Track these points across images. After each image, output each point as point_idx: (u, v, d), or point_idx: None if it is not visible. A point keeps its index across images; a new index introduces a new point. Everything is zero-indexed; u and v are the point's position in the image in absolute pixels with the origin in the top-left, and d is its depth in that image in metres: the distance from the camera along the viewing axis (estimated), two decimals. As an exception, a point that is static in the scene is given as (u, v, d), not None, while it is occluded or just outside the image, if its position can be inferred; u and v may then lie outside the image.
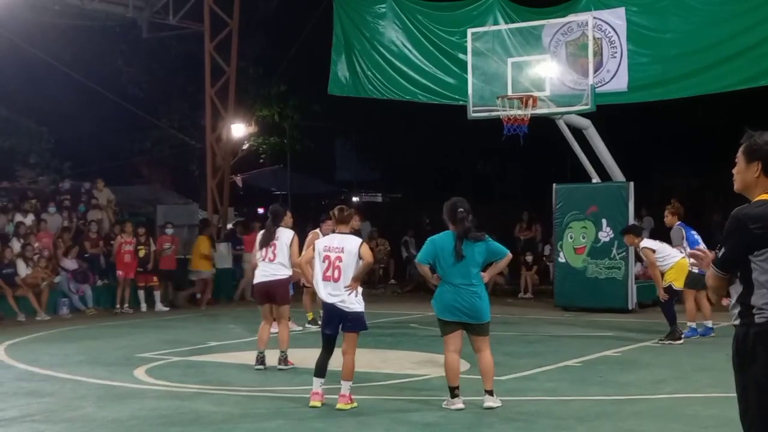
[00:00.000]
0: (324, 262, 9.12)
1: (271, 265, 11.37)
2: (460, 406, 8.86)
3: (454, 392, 8.94)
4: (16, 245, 19.56)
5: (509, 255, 9.11)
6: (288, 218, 12.29)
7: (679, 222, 14.53)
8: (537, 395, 9.80)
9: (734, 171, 4.68)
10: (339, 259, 9.08)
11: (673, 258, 13.96)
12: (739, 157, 4.65)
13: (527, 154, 27.50)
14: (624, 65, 18.17)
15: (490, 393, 8.96)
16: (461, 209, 8.77)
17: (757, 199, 4.57)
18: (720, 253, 4.54)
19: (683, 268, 13.72)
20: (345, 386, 9.04)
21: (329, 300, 9.11)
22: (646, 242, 14.42)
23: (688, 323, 14.25)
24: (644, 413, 8.81)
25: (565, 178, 19.97)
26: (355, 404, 9.05)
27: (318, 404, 9.05)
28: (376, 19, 21.07)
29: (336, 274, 9.08)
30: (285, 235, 11.45)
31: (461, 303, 8.72)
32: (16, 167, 26.79)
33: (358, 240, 9.35)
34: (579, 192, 18.96)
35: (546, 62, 18.07)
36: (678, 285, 13.89)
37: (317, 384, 9.12)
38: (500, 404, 8.93)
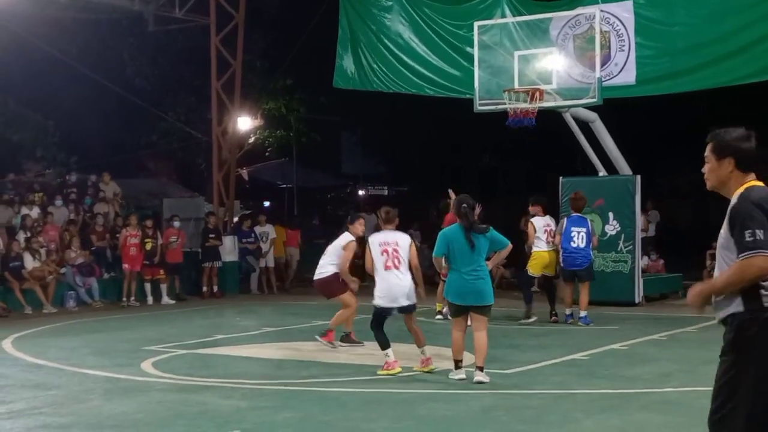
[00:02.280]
0: (383, 255, 10.62)
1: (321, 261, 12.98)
2: (462, 376, 10.05)
3: (458, 364, 10.15)
4: (22, 238, 19.59)
5: (510, 245, 10.37)
6: (357, 225, 12.82)
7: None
8: (544, 388, 9.78)
9: (705, 170, 4.81)
10: (396, 251, 10.63)
11: (536, 247, 15.53)
12: (709, 156, 4.78)
13: (533, 147, 27.47)
14: (632, 58, 18.12)
15: (481, 369, 9.93)
16: (465, 204, 10.01)
17: (747, 185, 4.70)
18: (757, 236, 4.49)
19: (541, 258, 15.47)
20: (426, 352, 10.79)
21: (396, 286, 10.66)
22: (537, 219, 15.75)
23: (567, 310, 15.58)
24: (651, 406, 8.80)
25: (571, 172, 19.90)
26: (433, 366, 10.73)
27: (400, 369, 10.63)
28: (383, 12, 21.03)
29: (396, 263, 10.61)
30: (340, 239, 12.72)
31: (470, 288, 9.88)
32: (22, 160, 26.82)
33: (407, 237, 10.98)
34: (586, 185, 18.87)
35: (553, 55, 18.02)
36: (533, 271, 15.63)
37: (391, 354, 10.66)
38: (488, 380, 9.88)
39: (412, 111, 27.91)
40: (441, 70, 20.14)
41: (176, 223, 21.76)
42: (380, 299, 10.62)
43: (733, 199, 4.66)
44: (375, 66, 20.90)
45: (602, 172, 19.23)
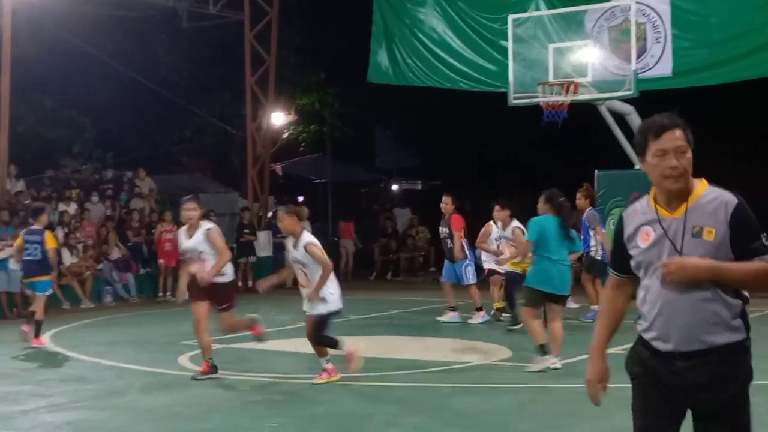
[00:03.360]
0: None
1: None
2: (557, 365, 10.23)
3: (544, 348, 10.27)
4: (60, 234, 19.77)
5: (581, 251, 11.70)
6: None
7: (591, 207, 15.42)
8: (578, 383, 9.67)
9: (682, 161, 3.95)
10: None
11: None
12: (685, 145, 3.98)
13: (568, 140, 27.32)
14: (668, 50, 17.95)
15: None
16: (561, 198, 10.67)
17: (705, 181, 4.09)
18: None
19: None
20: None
21: None
22: (517, 223, 14.36)
23: (592, 306, 14.85)
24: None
25: (605, 165, 19.78)
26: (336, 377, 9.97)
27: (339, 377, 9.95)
28: (417, 7, 20.98)
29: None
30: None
31: (558, 276, 10.36)
32: (59, 157, 27.06)
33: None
34: (621, 178, 18.76)
35: (588, 48, 17.88)
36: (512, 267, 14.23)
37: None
38: (560, 366, 10.18)
39: (445, 105, 27.83)
40: (475, 63, 20.07)
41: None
42: (338, 300, 9.92)
43: (725, 195, 3.95)
44: (409, 60, 20.87)
45: (638, 165, 19.05)
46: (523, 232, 13.36)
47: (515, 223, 14.18)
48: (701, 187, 4.00)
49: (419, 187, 37.87)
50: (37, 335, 13.24)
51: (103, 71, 24.96)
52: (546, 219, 10.54)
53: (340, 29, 27.48)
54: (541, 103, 17.37)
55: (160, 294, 20.33)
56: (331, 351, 9.93)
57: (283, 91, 26.13)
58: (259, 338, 11.08)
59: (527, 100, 17.98)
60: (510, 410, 8.50)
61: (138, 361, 11.62)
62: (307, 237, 9.76)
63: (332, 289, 9.80)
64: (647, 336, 4.05)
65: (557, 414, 8.27)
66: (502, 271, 14.60)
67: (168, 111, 27.24)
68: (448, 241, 15.03)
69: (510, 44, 18.25)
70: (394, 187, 36.87)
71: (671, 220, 3.99)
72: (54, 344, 13.41)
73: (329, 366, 9.85)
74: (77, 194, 22.55)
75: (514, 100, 18.15)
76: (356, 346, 10.11)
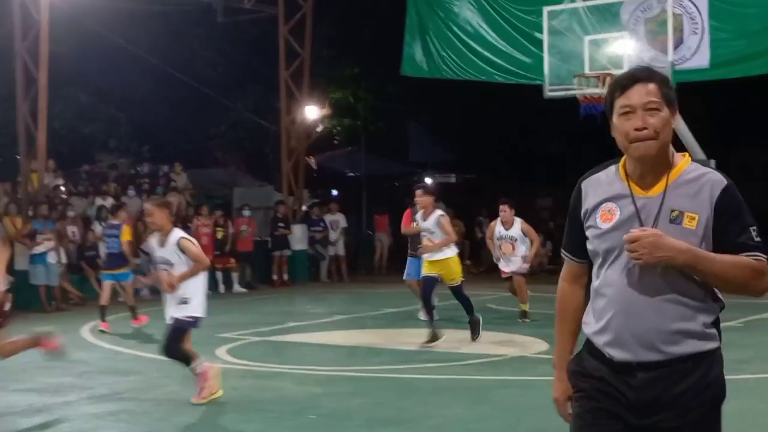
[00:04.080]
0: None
1: None
2: None
3: None
4: (98, 228, 19.94)
5: None
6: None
7: None
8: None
9: (651, 121, 3.21)
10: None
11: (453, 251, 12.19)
12: (658, 101, 3.23)
13: (602, 133, 27.18)
14: (705, 41, 17.82)
15: None
16: None
17: (691, 162, 3.33)
18: (757, 235, 3.26)
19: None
20: None
21: None
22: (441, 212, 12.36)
23: None
24: (748, 392, 8.66)
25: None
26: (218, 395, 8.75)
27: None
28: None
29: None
30: None
31: None
32: (95, 152, 27.30)
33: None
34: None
35: (624, 40, 17.79)
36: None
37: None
38: None
39: (480, 98, 27.78)
40: (510, 56, 20.02)
41: (246, 213, 22.00)
42: (201, 308, 8.78)
43: (712, 174, 3.26)
44: (444, 53, 20.85)
45: (674, 156, 18.96)
46: (448, 222, 12.02)
47: (439, 212, 12.10)
48: (684, 163, 3.28)
49: (453, 180, 37.80)
50: (134, 316, 14.39)
51: (139, 66, 25.13)
52: None
53: (374, 23, 27.46)
54: (578, 96, 17.30)
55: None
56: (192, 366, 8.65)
57: (317, 85, 26.19)
58: (55, 353, 8.92)
59: (563, 93, 17.91)
60: (548, 403, 8.46)
61: (176, 353, 11.69)
62: (179, 233, 8.67)
63: (198, 294, 8.61)
64: (599, 341, 3.29)
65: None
66: (523, 271, 14.08)
67: (203, 105, 27.39)
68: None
69: (545, 36, 18.20)
70: (428, 180, 36.84)
71: (644, 199, 3.25)
72: (94, 337, 13.55)
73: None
74: (114, 188, 22.73)
75: (549, 92, 18.09)
76: (211, 364, 8.87)
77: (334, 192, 31.94)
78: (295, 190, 24.70)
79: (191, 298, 8.52)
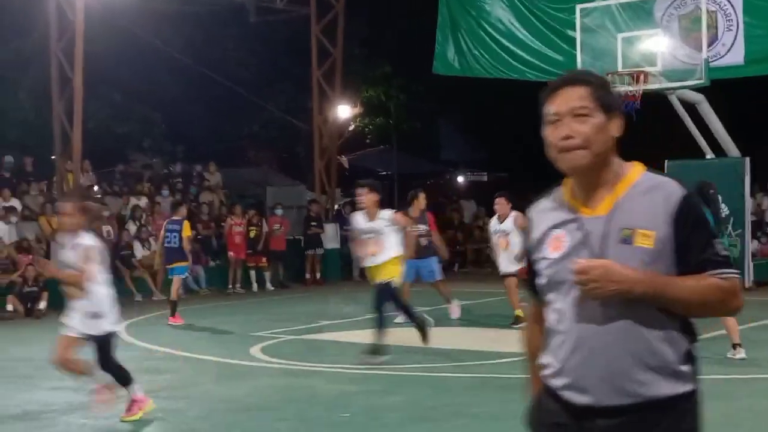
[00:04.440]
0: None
1: None
2: (742, 356, 10.28)
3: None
4: (132, 228, 20.11)
5: None
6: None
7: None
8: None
9: (577, 128, 2.84)
10: None
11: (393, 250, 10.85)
12: (589, 106, 2.85)
13: (635, 130, 27.02)
14: (740, 38, 17.67)
15: (739, 345, 10.35)
16: (712, 190, 10.31)
17: (642, 166, 2.98)
18: (723, 249, 2.88)
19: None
20: None
21: None
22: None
23: None
24: (762, 392, 8.62)
25: (674, 155, 19.53)
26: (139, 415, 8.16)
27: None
28: (483, -2, 20.93)
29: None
30: None
31: None
32: (129, 151, 27.50)
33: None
34: (692, 168, 18.48)
35: (657, 37, 17.68)
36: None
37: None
38: (744, 356, 10.19)
39: (511, 96, 27.71)
40: (542, 54, 19.95)
41: (279, 211, 22.08)
42: (116, 320, 8.14)
43: (668, 184, 2.86)
44: (476, 52, 20.80)
45: (709, 155, 18.83)
46: (401, 217, 11.11)
47: (388, 211, 11.04)
48: (634, 173, 2.91)
49: (485, 178, 37.72)
50: (173, 314, 14.86)
51: (172, 66, 25.30)
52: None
53: (405, 21, 27.49)
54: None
55: (230, 286, 20.58)
56: (92, 379, 8.12)
57: (349, 84, 26.24)
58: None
59: (595, 91, 17.81)
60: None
61: (210, 351, 11.78)
62: (89, 239, 7.79)
63: (107, 307, 7.86)
64: (555, 383, 2.91)
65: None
66: (511, 271, 13.21)
67: (236, 105, 27.54)
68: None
69: (578, 34, 18.13)
70: (460, 179, 36.78)
71: (591, 219, 2.86)
72: (128, 335, 13.65)
73: (138, 395, 8.06)
74: (148, 188, 22.89)
75: (582, 90, 17.99)
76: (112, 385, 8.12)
77: (366, 191, 31.92)
78: (327, 188, 24.76)
79: (100, 312, 7.77)
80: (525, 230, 3.13)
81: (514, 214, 13.18)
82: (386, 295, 10.64)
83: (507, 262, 13.30)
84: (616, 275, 2.71)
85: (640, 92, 16.96)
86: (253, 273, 20.94)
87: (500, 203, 13.41)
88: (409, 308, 11.33)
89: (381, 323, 10.55)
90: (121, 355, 10.56)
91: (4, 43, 23.39)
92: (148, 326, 14.87)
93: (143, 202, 21.63)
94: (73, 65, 19.34)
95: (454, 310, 14.65)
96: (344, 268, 23.37)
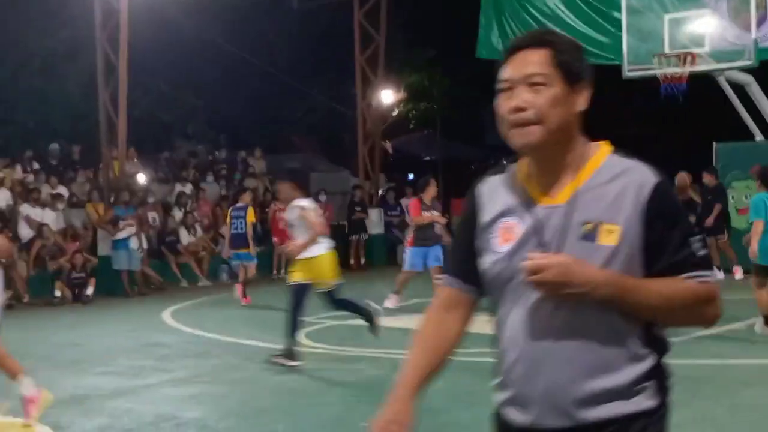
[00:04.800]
0: None
1: None
2: None
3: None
4: (177, 214, 20.24)
5: None
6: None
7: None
8: (700, 359, 9.52)
9: (530, 98, 2.41)
10: None
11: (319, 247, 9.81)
12: (548, 73, 2.41)
13: (683, 113, 26.73)
14: (790, 18, 17.37)
15: None
16: None
17: (609, 147, 2.54)
18: (701, 248, 2.46)
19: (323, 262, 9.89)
20: None
21: None
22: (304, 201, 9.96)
23: None
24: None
25: (725, 137, 19.25)
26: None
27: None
28: (526, -20, 20.75)
29: None
30: None
31: None
32: (174, 139, 27.68)
33: None
34: (741, 151, 18.24)
35: (705, 17, 17.42)
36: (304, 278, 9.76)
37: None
38: None
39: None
40: (587, 36, 19.70)
41: (323, 197, 22.10)
42: None
43: (638, 170, 2.42)
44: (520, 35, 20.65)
45: (759, 137, 18.53)
46: (315, 214, 9.84)
47: (303, 202, 9.86)
48: (600, 156, 2.48)
49: (529, 163, 37.51)
50: (244, 294, 15.46)
51: (216, 54, 25.40)
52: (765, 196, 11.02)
53: (449, 6, 27.31)
54: (659, 76, 16.99)
55: (275, 272, 20.64)
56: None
57: (392, 69, 26.16)
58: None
59: (642, 73, 17.62)
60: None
61: (255, 336, 11.82)
62: None
63: None
64: (499, 397, 2.54)
65: (675, 391, 8.04)
66: None
67: (279, 92, 27.59)
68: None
69: (624, 15, 17.93)
70: (504, 163, 36.59)
71: (548, 209, 2.42)
72: (174, 321, 13.75)
73: (32, 392, 7.08)
74: (193, 175, 23.02)
75: (628, 72, 17.82)
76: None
77: (410, 176, 31.89)
78: (371, 174, 24.73)
79: None
80: (466, 208, 2.62)
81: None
82: (302, 296, 9.61)
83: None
84: (577, 275, 2.29)
85: (688, 74, 16.73)
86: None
87: None
88: (352, 303, 10.41)
89: (294, 325, 9.58)
90: (166, 340, 10.69)
91: (52, 34, 23.63)
92: (193, 311, 14.97)
93: (188, 188, 21.75)
94: (118, 54, 19.46)
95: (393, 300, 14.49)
96: (389, 253, 23.36)
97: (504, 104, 2.45)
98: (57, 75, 24.06)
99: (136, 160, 22.02)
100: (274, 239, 20.79)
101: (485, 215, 2.54)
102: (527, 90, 2.39)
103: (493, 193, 2.56)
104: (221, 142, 27.28)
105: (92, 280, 17.02)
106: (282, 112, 29.28)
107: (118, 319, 14.32)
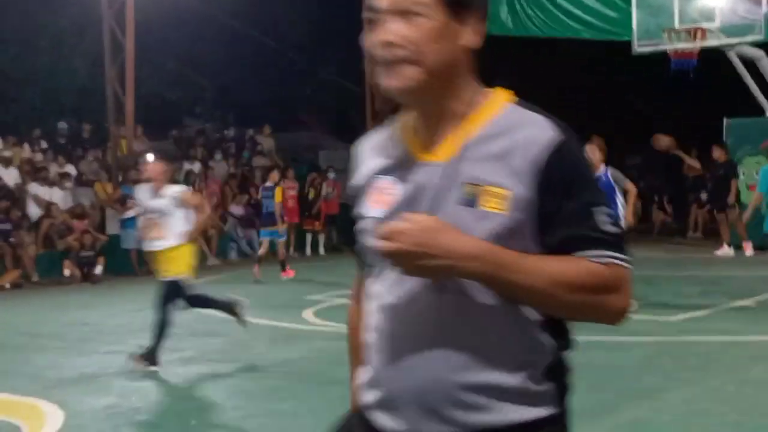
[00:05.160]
0: None
1: None
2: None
3: None
4: (186, 192, 20.20)
5: None
6: None
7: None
8: (711, 336, 9.49)
9: (401, 33, 1.97)
10: None
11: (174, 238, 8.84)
12: (426, 2, 1.94)
13: (692, 88, 26.60)
14: (801, -9, 17.23)
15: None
16: None
17: (510, 97, 2.10)
18: (609, 222, 1.92)
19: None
20: None
21: None
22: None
23: None
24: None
25: (735, 113, 19.13)
26: None
27: None
28: (536, -45, 20.62)
29: None
30: None
31: None
32: (182, 117, 27.64)
33: None
34: (751, 126, 18.14)
35: (716, -8, 17.29)
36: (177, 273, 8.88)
37: None
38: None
39: (565, 54, 27.36)
40: (597, 12, 19.62)
41: (332, 175, 22.05)
42: None
43: (537, 122, 1.99)
44: (530, 11, 20.52)
45: (770, 113, 18.42)
46: (193, 196, 9.46)
47: (177, 187, 9.38)
48: (494, 105, 2.03)
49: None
50: (284, 269, 15.94)
51: (223, 31, 25.32)
52: None
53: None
54: (668, 52, 16.88)
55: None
56: None
57: (401, 46, 26.04)
58: None
59: (652, 48, 17.51)
60: (638, 363, 8.33)
61: (264, 315, 11.80)
62: None
63: None
64: (365, 398, 2.06)
65: (686, 367, 8.06)
66: None
67: (287, 69, 27.51)
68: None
69: (634, -10, 17.78)
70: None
71: (427, 167, 1.98)
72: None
73: None
74: (201, 153, 22.99)
75: (638, 48, 17.71)
76: None
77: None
78: (380, 151, 24.67)
79: None
80: (348, 171, 2.21)
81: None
82: (173, 294, 8.79)
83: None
84: (439, 244, 1.80)
85: (698, 49, 16.61)
86: (309, 237, 21.00)
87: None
88: (209, 300, 9.61)
89: (163, 326, 8.70)
90: (176, 319, 10.69)
91: (60, 11, 23.57)
92: (202, 290, 14.93)
93: (196, 167, 21.72)
94: (125, 32, 19.40)
95: None
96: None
97: (370, 39, 2.02)
98: (64, 54, 24.02)
99: (143, 138, 21.97)
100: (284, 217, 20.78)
101: (359, 176, 2.11)
102: (398, 21, 1.95)
103: (371, 150, 2.13)
104: (229, 120, 27.24)
105: (101, 259, 17.03)
106: (291, 90, 29.20)
107: (127, 298, 14.34)
